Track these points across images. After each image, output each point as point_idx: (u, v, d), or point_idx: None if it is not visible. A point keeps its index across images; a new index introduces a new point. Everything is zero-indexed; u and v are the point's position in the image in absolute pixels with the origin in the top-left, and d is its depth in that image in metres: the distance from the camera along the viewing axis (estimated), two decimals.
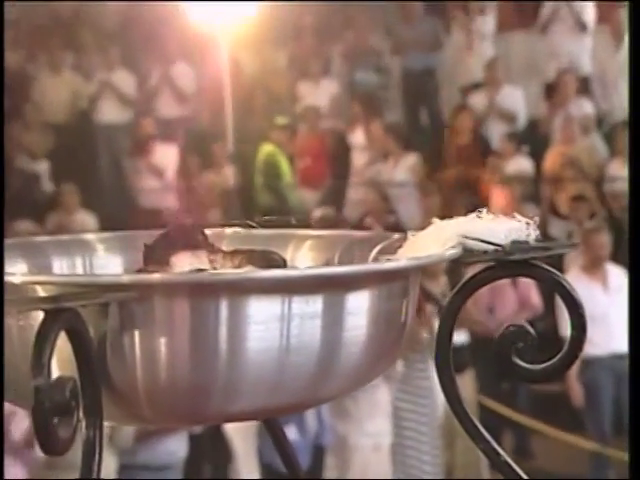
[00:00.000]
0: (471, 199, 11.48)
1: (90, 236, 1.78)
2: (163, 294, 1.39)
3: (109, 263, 1.72)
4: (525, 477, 1.53)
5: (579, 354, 1.49)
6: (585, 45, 13.10)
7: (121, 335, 1.39)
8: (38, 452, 6.88)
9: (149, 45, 13.98)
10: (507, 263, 1.51)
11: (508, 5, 13.88)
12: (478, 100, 12.83)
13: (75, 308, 1.32)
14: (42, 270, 1.67)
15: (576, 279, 8.13)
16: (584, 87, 12.75)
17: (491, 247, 1.50)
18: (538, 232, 1.52)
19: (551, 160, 11.87)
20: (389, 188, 12.09)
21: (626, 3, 12.95)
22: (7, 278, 1.46)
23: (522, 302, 9.67)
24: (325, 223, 8.90)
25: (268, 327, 1.41)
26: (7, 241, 1.68)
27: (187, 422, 1.77)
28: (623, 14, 12.64)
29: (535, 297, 9.71)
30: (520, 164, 11.93)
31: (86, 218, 12.01)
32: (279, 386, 1.44)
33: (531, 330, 1.50)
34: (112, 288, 1.37)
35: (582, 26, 13.04)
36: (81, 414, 1.33)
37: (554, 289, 1.49)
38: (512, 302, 9.56)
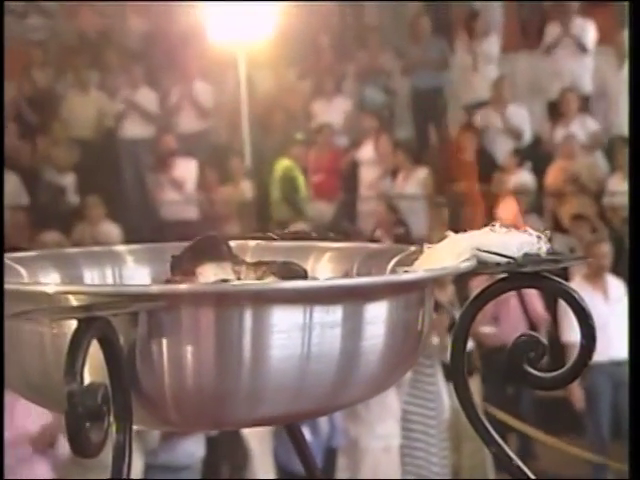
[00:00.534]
0: (477, 212, 11.49)
1: (120, 248, 1.78)
2: (190, 303, 1.39)
3: (137, 274, 1.72)
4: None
5: (588, 362, 1.48)
6: (586, 66, 13.09)
7: (150, 343, 1.39)
8: (62, 450, 6.88)
9: (171, 64, 13.98)
10: (519, 275, 1.51)
11: (513, 27, 13.89)
12: (484, 118, 12.81)
13: (106, 317, 1.32)
14: (74, 280, 1.67)
15: (579, 288, 8.09)
16: (585, 105, 12.73)
17: (504, 259, 1.49)
18: (549, 245, 1.51)
19: (553, 175, 11.86)
20: (399, 201, 12.09)
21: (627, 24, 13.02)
22: (41, 288, 1.46)
23: (526, 311, 9.65)
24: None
25: (290, 336, 1.41)
26: (40, 252, 1.68)
27: (212, 427, 1.78)
28: (625, 35, 12.64)
29: (539, 307, 9.70)
30: (523, 178, 11.91)
31: (110, 229, 12.00)
32: (300, 392, 1.44)
33: (542, 340, 1.49)
34: (141, 298, 1.37)
35: (583, 48, 13.03)
36: (111, 418, 1.33)
37: (565, 300, 1.49)
38: (516, 311, 9.54)
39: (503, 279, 1.52)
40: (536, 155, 12.42)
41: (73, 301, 1.37)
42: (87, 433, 1.27)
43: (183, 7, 13.61)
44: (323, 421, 7.72)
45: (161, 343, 1.39)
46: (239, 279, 1.54)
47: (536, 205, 11.61)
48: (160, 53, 14.30)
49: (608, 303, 8.95)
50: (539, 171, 11.99)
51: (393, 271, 1.59)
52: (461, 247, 1.49)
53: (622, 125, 12.29)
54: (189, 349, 1.39)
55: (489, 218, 11.18)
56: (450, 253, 1.50)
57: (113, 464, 1.35)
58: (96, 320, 1.30)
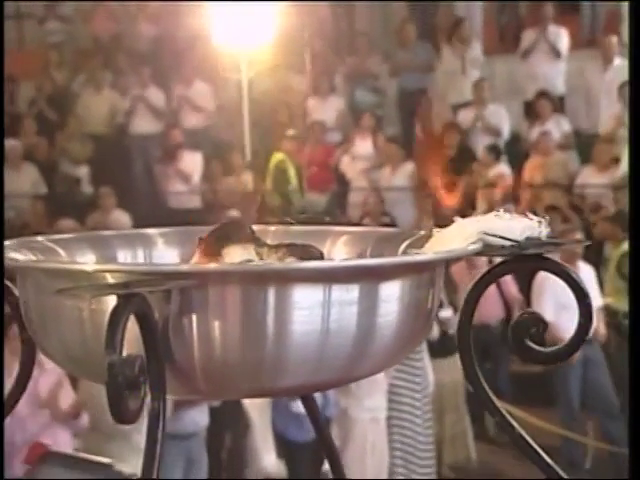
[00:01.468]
0: (459, 201, 11.50)
1: (150, 231, 1.76)
2: (218, 282, 1.38)
3: (167, 255, 1.71)
4: (537, 448, 1.51)
5: (586, 338, 1.48)
6: (560, 69, 13.08)
7: (181, 318, 1.38)
8: (84, 421, 6.87)
9: (177, 65, 14.00)
10: (522, 257, 1.50)
11: (492, 33, 13.89)
12: (466, 116, 12.80)
13: (143, 293, 1.31)
14: (109, 260, 1.66)
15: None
16: (559, 106, 12.73)
17: (508, 243, 1.49)
18: (548, 230, 1.50)
19: (529, 170, 11.86)
20: (388, 192, 12.10)
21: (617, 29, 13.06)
22: (81, 266, 1.45)
23: (502, 293, 9.67)
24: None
25: (311, 312, 1.40)
26: (77, 234, 1.67)
27: (238, 396, 1.77)
28: (613, 40, 12.65)
29: (513, 289, 9.71)
30: (501, 171, 11.90)
31: (121, 217, 11.99)
32: (320, 365, 1.43)
33: (543, 317, 1.49)
34: (174, 276, 1.36)
35: (557, 53, 13.02)
36: (147, 388, 1.32)
37: (564, 280, 1.48)
38: (493, 294, 9.53)
39: (507, 261, 1.51)
40: (514, 151, 12.42)
41: (110, 279, 1.36)
42: (126, 401, 1.26)
43: (190, 13, 13.58)
44: (317, 393, 7.70)
45: (192, 318, 1.38)
46: (261, 260, 1.53)
47: (514, 197, 11.60)
48: (168, 55, 14.32)
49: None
50: (517, 166, 11.99)
51: (405, 253, 1.58)
52: (468, 231, 1.49)
53: (603, 124, 12.32)
54: (217, 324, 1.39)
55: (469, 208, 11.21)
56: (458, 237, 1.49)
57: (148, 431, 1.35)
58: (134, 296, 1.30)
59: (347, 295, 1.41)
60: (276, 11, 12.73)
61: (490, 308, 9.12)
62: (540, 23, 13.13)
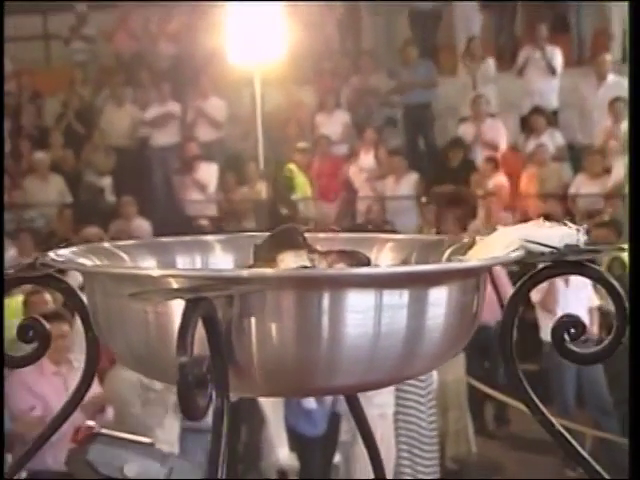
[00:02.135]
0: (460, 211, 11.46)
1: (206, 238, 1.75)
2: (278, 287, 1.37)
3: (222, 260, 1.70)
4: (577, 445, 1.50)
5: (622, 339, 1.46)
6: (553, 85, 13.07)
7: (242, 321, 1.37)
8: (109, 415, 6.85)
9: (195, 81, 14.01)
10: (562, 263, 1.49)
11: (491, 52, 13.87)
12: (466, 130, 12.79)
13: (210, 298, 1.30)
14: (168, 265, 1.64)
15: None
16: (553, 120, 12.73)
17: (548, 249, 1.47)
18: (587, 237, 1.49)
19: (525, 180, 11.85)
20: (393, 201, 12.09)
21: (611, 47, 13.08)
22: (147, 272, 1.44)
23: (498, 295, 9.63)
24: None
25: (364, 316, 1.39)
26: (139, 241, 1.66)
27: (294, 394, 1.76)
28: (607, 58, 12.65)
29: (509, 290, 9.67)
30: (499, 182, 11.88)
31: (142, 224, 11.98)
32: (372, 365, 1.42)
33: (582, 320, 1.48)
34: (238, 281, 1.35)
35: (552, 70, 13.02)
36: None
37: (602, 285, 1.47)
38: (490, 295, 9.49)
39: (548, 267, 1.50)
40: (512, 162, 12.40)
41: (174, 284, 1.35)
42: (195, 399, 1.25)
43: (207, 32, 13.61)
44: None
45: (252, 321, 1.38)
46: (313, 266, 1.52)
47: (511, 205, 11.59)
48: (186, 72, 14.31)
49: (568, 288, 8.90)
50: (514, 176, 11.97)
51: (449, 260, 1.57)
52: (510, 239, 1.48)
53: (589, 136, 12.32)
54: (275, 326, 1.38)
55: (470, 217, 11.19)
56: (500, 244, 1.48)
57: (213, 426, 1.34)
58: (202, 300, 1.28)
59: (398, 299, 1.41)
60: (286, 30, 12.75)
61: (489, 310, 9.08)
62: (535, 42, 13.13)
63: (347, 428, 8.06)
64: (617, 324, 1.45)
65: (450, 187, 11.95)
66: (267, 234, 1.54)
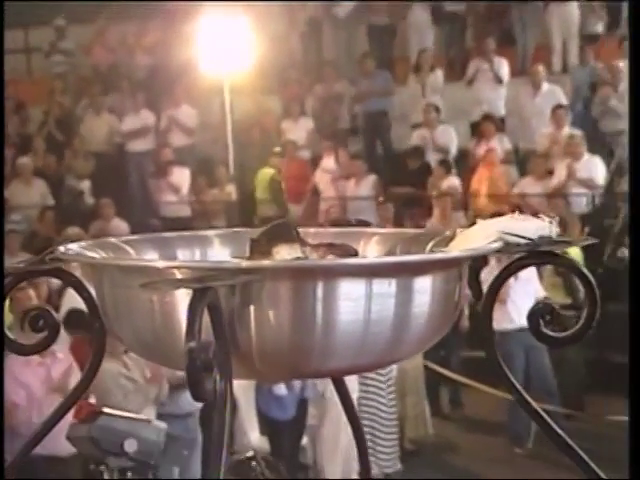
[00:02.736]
0: (415, 210, 11.51)
1: (204, 232, 1.74)
2: (278, 277, 1.37)
3: (220, 254, 1.69)
4: (552, 423, 1.50)
5: (593, 324, 1.46)
6: (500, 94, 13.13)
7: (243, 309, 1.36)
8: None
9: (168, 90, 13.96)
10: (537, 253, 1.49)
11: (442, 64, 13.94)
12: (419, 136, 12.81)
13: (215, 287, 1.29)
14: (170, 258, 1.63)
15: (493, 269, 8.06)
16: (500, 126, 12.79)
17: (524, 241, 1.48)
18: (558, 229, 1.50)
19: (476, 181, 11.89)
20: (353, 201, 12.11)
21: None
22: (153, 263, 1.43)
23: None
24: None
25: (355, 303, 1.39)
26: (143, 236, 1.64)
27: (290, 377, 1.76)
28: (541, 68, 12.74)
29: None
30: (451, 183, 11.92)
31: (120, 225, 11.91)
32: (362, 349, 1.42)
33: (555, 306, 1.48)
34: (241, 272, 1.34)
35: (499, 80, 13.09)
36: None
37: (574, 273, 1.47)
38: None
39: (524, 257, 1.50)
40: (463, 165, 12.45)
41: (178, 275, 1.34)
42: (203, 382, 1.24)
43: (180, 45, 13.61)
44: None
45: (252, 309, 1.37)
46: (306, 257, 1.51)
47: (463, 205, 11.63)
48: (160, 82, 14.26)
49: (517, 282, 8.93)
50: (465, 178, 12.01)
51: (432, 252, 1.57)
52: (489, 231, 1.48)
53: (533, 141, 12.40)
54: (273, 314, 1.37)
55: (427, 216, 11.24)
56: (480, 236, 1.48)
57: (217, 409, 1.33)
58: (208, 290, 1.28)
59: (387, 288, 1.40)
60: (253, 43, 12.77)
61: None
62: (484, 54, 13.19)
63: (314, 413, 8.08)
64: (588, 310, 1.45)
65: (406, 189, 12.01)
66: (262, 229, 1.54)
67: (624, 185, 11.52)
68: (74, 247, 1.50)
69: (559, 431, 1.52)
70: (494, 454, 8.85)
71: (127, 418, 4.16)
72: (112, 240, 1.59)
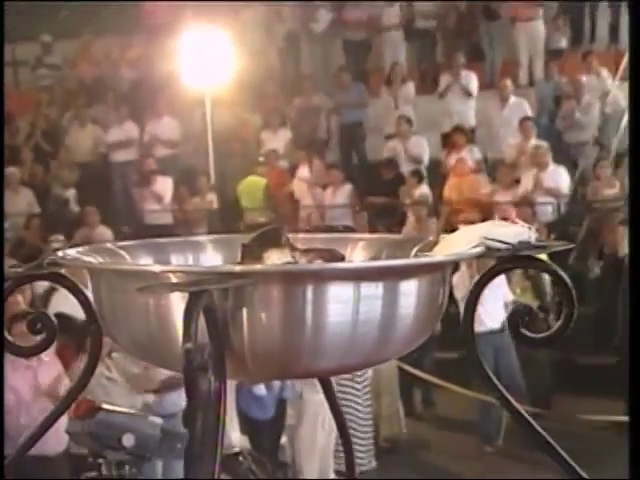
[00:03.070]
0: (389, 218, 11.52)
1: (196, 238, 1.74)
2: (271, 280, 1.37)
3: (212, 259, 1.68)
4: (535, 424, 1.50)
5: (570, 325, 1.47)
6: (470, 106, 13.18)
7: (236, 311, 1.36)
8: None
9: (151, 102, 13.92)
10: (516, 257, 1.50)
11: (414, 77, 13.99)
12: (393, 146, 12.84)
13: (210, 291, 1.29)
14: (164, 263, 1.62)
15: (464, 274, 8.08)
16: (471, 137, 12.83)
17: (504, 246, 1.48)
18: (537, 235, 1.50)
19: (447, 190, 11.92)
20: (330, 209, 12.10)
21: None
22: (149, 268, 1.42)
23: None
24: None
25: (344, 306, 1.39)
26: (138, 242, 1.64)
27: (282, 377, 1.75)
28: (508, 82, 12.80)
29: None
30: (423, 192, 11.94)
31: (105, 232, 11.84)
32: (351, 350, 1.42)
33: (534, 307, 1.48)
34: (235, 276, 1.34)
35: (468, 93, 13.13)
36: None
37: (551, 276, 1.48)
38: None
39: (504, 260, 1.51)
40: (435, 174, 12.47)
41: (173, 279, 1.34)
42: (199, 381, 1.24)
43: (163, 58, 13.60)
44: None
45: (244, 312, 1.37)
46: (296, 262, 1.51)
47: (435, 213, 11.64)
48: (144, 95, 14.23)
49: (487, 286, 8.90)
50: (437, 187, 12.03)
51: (417, 256, 1.57)
52: (471, 236, 1.48)
53: (501, 151, 12.46)
54: (265, 316, 1.37)
55: (400, 224, 11.25)
56: (462, 241, 1.48)
57: (212, 407, 1.32)
58: (204, 293, 1.27)
59: (374, 291, 1.41)
60: (233, 57, 12.78)
61: None
62: (454, 68, 13.24)
63: (292, 413, 8.06)
64: (565, 311, 1.46)
65: (381, 198, 12.02)
66: (253, 235, 1.53)
67: (588, 194, 11.60)
68: (72, 252, 1.49)
69: (540, 430, 1.52)
70: (465, 452, 8.86)
71: (125, 413, 4.18)
72: (108, 245, 1.59)
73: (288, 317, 1.37)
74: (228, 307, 1.35)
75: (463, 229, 1.50)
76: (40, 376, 6.64)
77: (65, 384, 6.68)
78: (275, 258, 1.48)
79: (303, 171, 12.67)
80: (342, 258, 1.55)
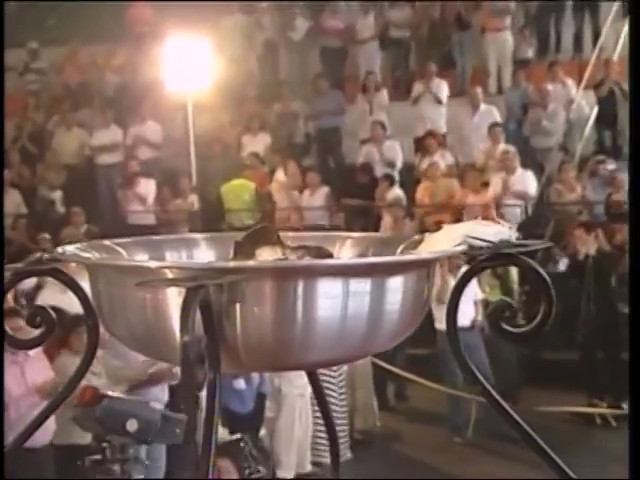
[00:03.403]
0: (364, 219, 11.53)
1: (190, 235, 1.73)
2: (265, 276, 1.36)
3: (205, 255, 1.68)
4: (509, 409, 1.50)
5: (549, 321, 1.47)
6: (442, 113, 13.20)
7: (229, 306, 1.36)
8: None
9: (135, 107, 13.88)
10: (498, 255, 1.50)
11: (389, 84, 14.01)
12: (367, 150, 12.85)
13: (207, 286, 1.29)
14: (159, 259, 1.62)
15: (437, 272, 8.09)
16: (442, 141, 12.86)
17: (486, 244, 1.48)
18: (517, 234, 1.51)
19: (420, 192, 11.95)
20: (307, 211, 12.10)
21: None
22: (146, 264, 1.42)
23: None
24: None
25: (333, 301, 1.39)
26: (134, 239, 1.63)
27: (273, 369, 1.75)
28: (478, 90, 12.84)
29: None
30: (397, 195, 11.95)
31: (90, 232, 11.79)
32: (340, 343, 1.42)
33: (513, 303, 1.49)
34: (224, 271, 1.34)
35: (439, 100, 13.16)
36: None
37: (531, 274, 1.48)
38: None
39: (486, 258, 1.51)
40: (408, 177, 12.49)
41: (169, 274, 1.34)
42: (196, 372, 1.23)
43: (147, 64, 13.57)
44: (254, 372, 7.65)
45: (238, 306, 1.36)
46: (286, 259, 1.51)
47: (408, 214, 11.65)
48: (128, 100, 14.18)
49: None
50: (410, 189, 12.05)
51: (403, 253, 1.57)
52: (454, 235, 1.48)
53: (470, 156, 12.51)
54: (257, 310, 1.37)
55: (375, 225, 11.26)
56: (446, 240, 1.48)
57: (208, 398, 1.32)
58: (200, 288, 1.27)
59: (362, 287, 1.41)
60: (215, 63, 12.78)
61: None
62: (426, 76, 13.27)
63: (271, 406, 8.05)
64: (544, 308, 1.46)
65: (356, 200, 12.03)
66: (245, 233, 1.53)
67: (551, 197, 11.66)
68: (70, 248, 1.49)
69: (518, 418, 1.53)
70: (436, 443, 8.88)
71: (128, 400, 4.21)
72: (105, 242, 1.58)
73: (280, 311, 1.37)
74: (223, 302, 1.35)
75: (446, 228, 1.51)
76: (27, 372, 6.59)
77: (52, 379, 6.64)
78: (267, 255, 1.48)
79: (279, 174, 12.66)
80: (330, 255, 1.56)
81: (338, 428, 8.15)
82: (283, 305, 1.37)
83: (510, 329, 1.47)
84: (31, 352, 6.59)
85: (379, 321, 1.43)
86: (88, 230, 11.23)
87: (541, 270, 1.46)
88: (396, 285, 1.44)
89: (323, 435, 8.29)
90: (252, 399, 7.74)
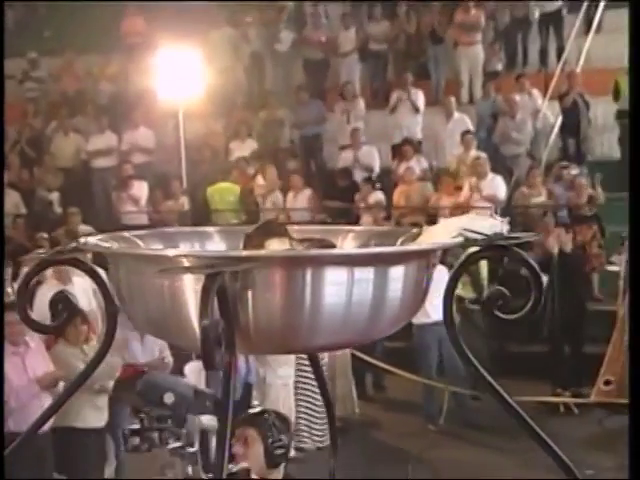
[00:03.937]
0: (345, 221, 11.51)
1: (202, 228, 1.74)
2: (271, 265, 1.37)
3: (217, 247, 1.68)
4: (505, 394, 1.51)
5: (539, 308, 1.48)
6: (418, 121, 13.22)
7: (243, 292, 1.36)
8: (60, 389, 6.62)
9: (129, 114, 13.83)
10: (491, 247, 1.51)
11: (367, 93, 14.02)
12: (346, 156, 12.85)
13: (224, 273, 1.29)
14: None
15: None
16: (418, 148, 12.87)
17: (480, 236, 1.49)
18: (509, 227, 1.51)
19: (396, 195, 11.96)
20: (292, 212, 12.07)
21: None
22: (164, 252, 1.42)
23: None
24: None
25: (339, 288, 1.40)
26: (150, 231, 1.63)
27: (283, 351, 1.75)
28: (452, 99, 12.86)
29: None
30: (376, 198, 11.95)
31: (86, 231, 11.74)
32: (344, 328, 1.43)
33: (506, 292, 1.49)
34: (239, 260, 1.34)
35: (416, 108, 13.17)
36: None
37: (522, 265, 1.49)
38: None
39: (480, 250, 1.52)
40: (386, 181, 12.49)
41: (186, 263, 1.34)
42: (215, 354, 1.24)
43: (140, 74, 13.51)
44: (241, 362, 7.63)
45: (251, 292, 1.37)
46: (293, 250, 1.51)
47: (386, 215, 11.66)
48: (122, 107, 14.13)
49: (433, 280, 8.90)
50: (388, 193, 12.06)
51: (403, 245, 1.58)
52: (451, 228, 1.49)
53: (443, 161, 12.53)
54: (269, 296, 1.38)
55: (356, 224, 11.25)
56: (444, 232, 1.49)
57: (224, 379, 1.32)
58: (218, 275, 1.27)
59: (366, 275, 1.42)
60: (203, 73, 12.75)
61: None
62: (403, 86, 13.28)
63: (256, 395, 8.04)
64: (534, 296, 1.47)
65: (337, 202, 12.03)
66: (254, 226, 1.53)
67: (517, 200, 11.70)
68: (92, 240, 1.49)
69: (514, 404, 1.53)
70: (411, 430, 8.89)
71: (165, 376, 4.33)
72: (124, 234, 1.58)
73: (289, 298, 1.38)
74: (237, 289, 1.35)
75: (443, 221, 1.52)
76: (28, 362, 6.54)
77: (52, 371, 6.58)
78: (276, 246, 1.49)
79: (260, 178, 12.65)
80: (334, 247, 1.56)
81: (319, 416, 8.23)
82: (292, 292, 1.38)
83: (502, 315, 1.48)
84: (31, 343, 6.55)
85: (382, 307, 1.44)
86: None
87: (531, 260, 1.47)
88: (397, 274, 1.45)
89: (307, 422, 8.30)
90: (240, 388, 7.72)
